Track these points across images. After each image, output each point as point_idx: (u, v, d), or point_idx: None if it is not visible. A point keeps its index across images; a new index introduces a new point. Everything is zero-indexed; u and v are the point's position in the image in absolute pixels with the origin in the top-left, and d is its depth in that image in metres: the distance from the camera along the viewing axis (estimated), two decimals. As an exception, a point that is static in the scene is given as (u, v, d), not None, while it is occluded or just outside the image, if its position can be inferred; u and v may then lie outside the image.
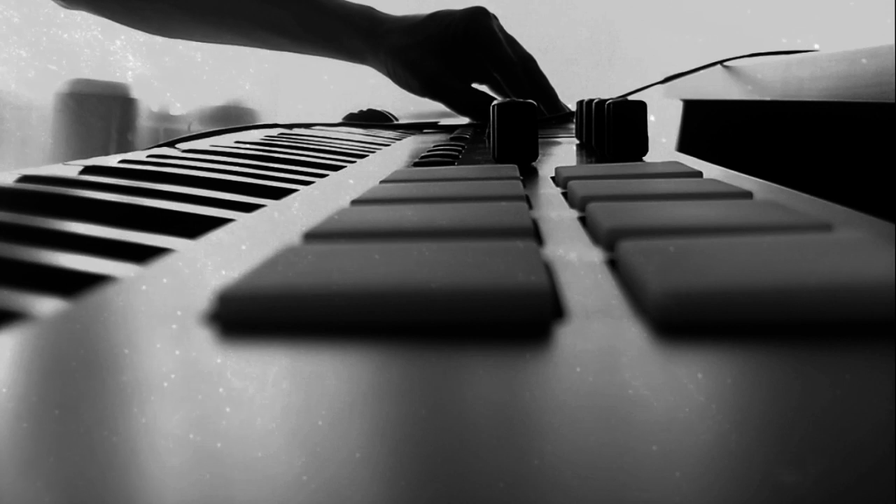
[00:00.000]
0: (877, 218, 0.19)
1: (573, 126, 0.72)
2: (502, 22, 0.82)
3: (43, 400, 0.10)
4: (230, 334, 0.12)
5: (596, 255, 0.16)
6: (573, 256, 0.16)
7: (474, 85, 0.81)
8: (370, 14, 0.81)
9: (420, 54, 0.78)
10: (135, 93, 1.33)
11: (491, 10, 0.81)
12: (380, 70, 0.82)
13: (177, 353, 0.11)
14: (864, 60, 0.48)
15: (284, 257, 0.14)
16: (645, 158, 0.38)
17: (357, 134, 0.73)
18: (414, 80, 0.79)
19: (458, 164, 0.39)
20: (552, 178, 0.31)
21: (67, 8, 0.90)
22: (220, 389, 0.10)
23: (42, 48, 1.22)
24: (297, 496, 0.07)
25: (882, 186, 0.52)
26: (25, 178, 0.34)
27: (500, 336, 0.12)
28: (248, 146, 0.54)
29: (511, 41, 0.81)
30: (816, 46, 0.72)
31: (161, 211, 0.27)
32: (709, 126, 0.85)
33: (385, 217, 0.19)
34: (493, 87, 0.82)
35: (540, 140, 0.47)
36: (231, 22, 0.85)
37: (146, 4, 0.86)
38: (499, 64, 0.78)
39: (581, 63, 1.28)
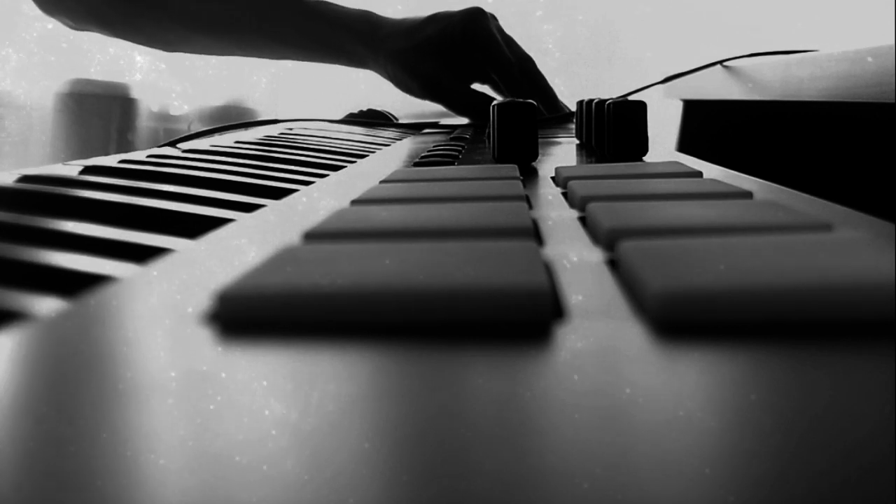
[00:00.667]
0: (877, 218, 0.19)
1: (573, 126, 0.72)
2: (502, 23, 0.82)
3: (43, 400, 0.10)
4: (230, 334, 0.12)
5: (596, 255, 0.16)
6: (573, 256, 0.16)
7: (475, 86, 0.82)
8: (369, 18, 0.81)
9: (419, 56, 0.78)
10: (135, 93, 1.33)
11: (491, 10, 0.81)
12: (380, 74, 0.82)
13: (177, 353, 0.11)
14: (869, 59, 0.48)
15: (284, 257, 0.14)
16: (645, 158, 0.38)
17: (357, 134, 0.73)
18: (413, 82, 0.79)
19: (458, 164, 0.39)
20: (552, 178, 0.31)
21: (76, 29, 0.90)
22: (220, 389, 0.10)
23: (42, 48, 1.22)
24: (298, 497, 0.07)
25: (882, 186, 0.52)
26: (25, 178, 0.34)
27: (500, 336, 0.12)
28: (248, 146, 0.54)
29: (509, 42, 0.81)
30: (816, 46, 0.72)
31: (161, 211, 0.27)
32: (709, 126, 0.85)
33: (385, 217, 0.19)
34: (493, 88, 0.82)
35: (540, 140, 0.47)
36: (233, 34, 0.85)
37: (151, 22, 0.86)
38: (496, 64, 0.78)
39: (581, 63, 1.28)
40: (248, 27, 0.84)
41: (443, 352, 0.11)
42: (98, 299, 0.14)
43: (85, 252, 0.21)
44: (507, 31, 0.82)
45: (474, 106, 0.77)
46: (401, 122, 0.91)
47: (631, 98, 0.40)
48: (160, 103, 1.36)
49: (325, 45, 0.82)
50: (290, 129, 0.74)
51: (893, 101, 0.45)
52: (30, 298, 0.17)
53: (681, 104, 0.88)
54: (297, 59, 0.87)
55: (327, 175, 0.39)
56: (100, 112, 1.30)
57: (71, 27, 0.90)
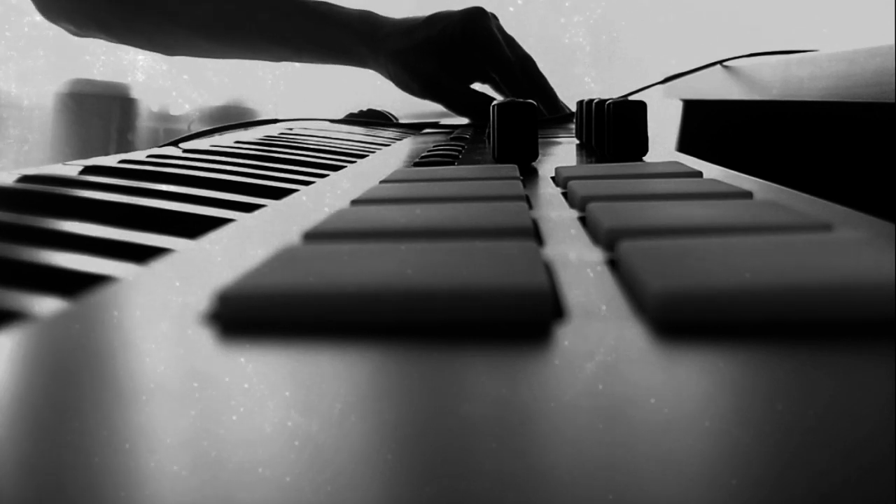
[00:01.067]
0: (877, 218, 0.19)
1: (573, 126, 0.72)
2: (502, 22, 0.82)
3: (43, 400, 0.10)
4: (230, 334, 0.12)
5: (596, 255, 0.16)
6: (573, 256, 0.16)
7: (476, 85, 0.82)
8: (370, 19, 0.81)
9: (419, 56, 0.78)
10: (135, 93, 1.33)
11: (491, 10, 0.81)
12: (381, 73, 0.82)
13: (177, 353, 0.11)
14: (868, 59, 0.48)
15: (284, 257, 0.14)
16: (645, 158, 0.38)
17: (357, 134, 0.73)
18: (413, 82, 0.79)
19: (458, 164, 0.39)
20: (552, 178, 0.31)
21: (79, 36, 0.90)
22: (220, 389, 0.10)
23: (43, 48, 1.22)
24: (298, 497, 0.07)
25: (882, 186, 0.52)
26: (25, 178, 0.34)
27: (500, 336, 0.12)
28: (248, 146, 0.54)
29: (510, 41, 0.81)
30: (816, 46, 0.72)
31: (161, 211, 0.27)
32: (709, 126, 0.85)
33: (385, 217, 0.19)
34: (493, 88, 0.82)
35: (540, 140, 0.47)
36: (234, 37, 0.85)
37: (151, 26, 0.86)
38: (496, 64, 0.78)
39: (581, 63, 1.28)
40: (249, 29, 0.84)
41: (443, 352, 0.11)
42: (98, 299, 0.14)
43: (85, 252, 0.21)
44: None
45: (474, 106, 0.77)
46: (401, 122, 0.91)
47: (631, 98, 0.40)
48: (160, 103, 1.36)
49: (326, 47, 0.82)
50: (290, 129, 0.74)
51: (893, 101, 0.45)
52: (30, 298, 0.17)
53: (681, 104, 0.88)
54: (299, 60, 0.87)
55: (327, 175, 0.39)
56: (100, 112, 1.30)
57: (74, 34, 0.90)
